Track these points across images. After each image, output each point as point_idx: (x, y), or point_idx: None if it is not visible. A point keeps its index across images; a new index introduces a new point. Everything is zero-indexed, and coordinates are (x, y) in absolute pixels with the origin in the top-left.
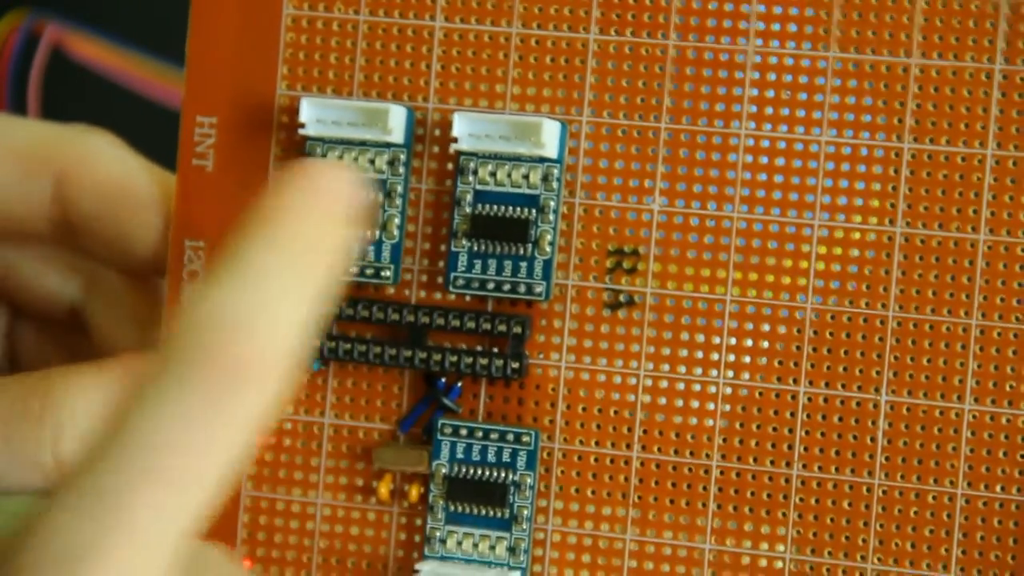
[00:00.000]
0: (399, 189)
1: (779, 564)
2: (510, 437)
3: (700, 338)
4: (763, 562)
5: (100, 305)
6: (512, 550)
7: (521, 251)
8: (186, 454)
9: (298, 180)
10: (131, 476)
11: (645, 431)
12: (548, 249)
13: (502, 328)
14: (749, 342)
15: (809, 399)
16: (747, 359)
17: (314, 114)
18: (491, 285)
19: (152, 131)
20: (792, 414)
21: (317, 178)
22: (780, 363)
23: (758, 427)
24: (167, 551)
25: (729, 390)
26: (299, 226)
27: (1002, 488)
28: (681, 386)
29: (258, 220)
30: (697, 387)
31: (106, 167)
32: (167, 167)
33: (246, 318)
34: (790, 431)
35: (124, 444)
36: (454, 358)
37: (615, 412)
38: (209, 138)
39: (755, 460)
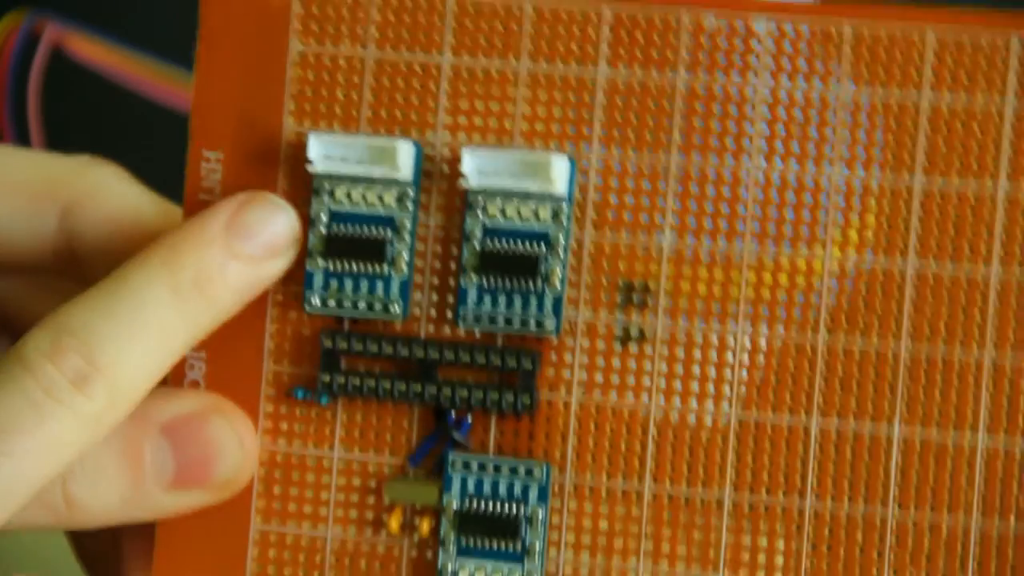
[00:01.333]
0: (407, 225)
1: None
2: (521, 471)
3: (711, 371)
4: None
5: None
6: None
7: (531, 286)
8: (2, 439)
9: (216, 210)
10: None
11: (657, 464)
12: (558, 285)
13: (512, 363)
14: (761, 377)
15: (822, 430)
16: (756, 395)
17: (322, 150)
18: (501, 320)
19: (152, 131)
20: (803, 456)
21: (238, 210)
22: (792, 396)
23: (768, 461)
24: None
25: (739, 427)
26: (197, 257)
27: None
28: (692, 419)
29: (159, 243)
30: (708, 420)
31: (112, 199)
32: (166, 166)
33: (94, 342)
34: (803, 464)
35: None
36: (464, 392)
37: (626, 445)
38: (215, 173)
39: (768, 492)
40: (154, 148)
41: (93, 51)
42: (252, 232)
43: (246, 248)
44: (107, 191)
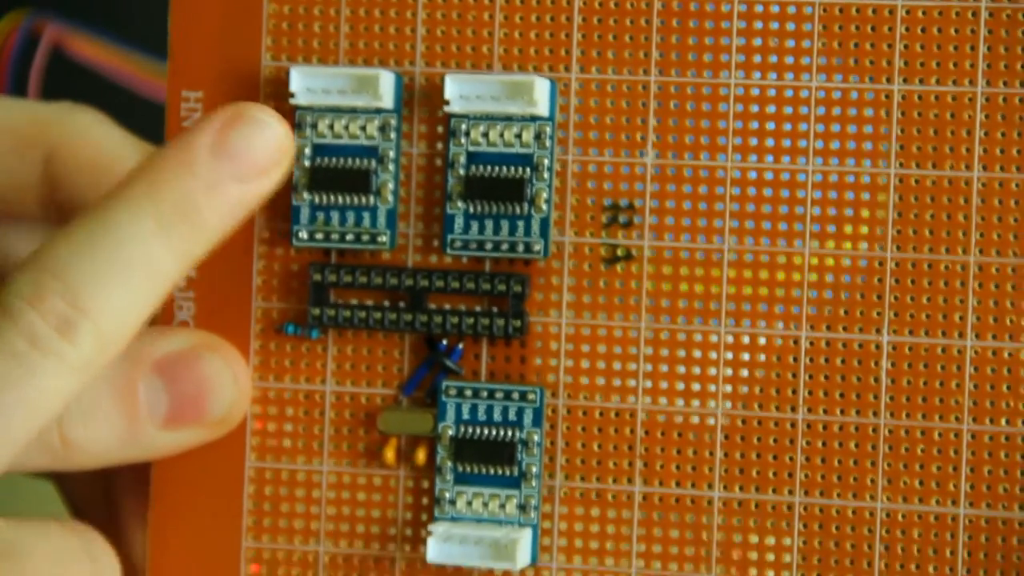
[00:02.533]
0: (391, 154)
1: (787, 508)
2: (515, 395)
3: (699, 288)
4: (771, 507)
5: None
6: (522, 507)
7: (517, 210)
8: None
9: (199, 131)
10: None
11: (649, 383)
12: (544, 207)
13: (501, 288)
14: (749, 290)
15: (811, 343)
16: (747, 307)
17: (304, 83)
18: (489, 246)
19: (152, 131)
20: (795, 359)
21: (222, 130)
22: (781, 310)
23: (762, 373)
24: None
25: (731, 338)
26: (182, 185)
27: (1007, 421)
28: (683, 337)
29: (140, 170)
30: (699, 337)
31: (95, 144)
32: None
33: (77, 282)
34: (793, 376)
35: None
36: (455, 320)
37: (618, 366)
38: (196, 112)
39: (760, 407)
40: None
41: (93, 51)
42: (239, 152)
43: (234, 170)
44: (90, 135)
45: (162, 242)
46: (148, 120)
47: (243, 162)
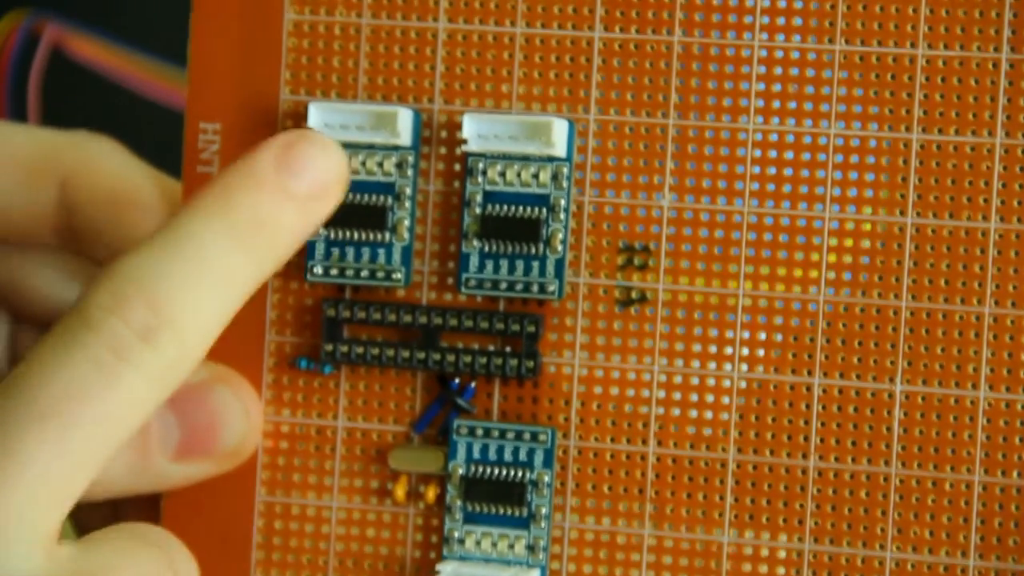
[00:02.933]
0: (408, 191)
1: (796, 555)
2: (527, 436)
3: (714, 332)
4: (782, 553)
5: None
6: (531, 548)
7: (533, 250)
8: (71, 409)
9: (264, 148)
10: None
11: (660, 426)
12: (560, 248)
13: (515, 327)
14: (763, 335)
15: (824, 391)
16: (761, 352)
17: (322, 119)
18: (503, 285)
19: (152, 131)
20: (807, 406)
21: (287, 148)
22: (794, 355)
23: (773, 420)
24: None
25: (744, 383)
26: (252, 198)
27: (1019, 474)
28: (695, 380)
29: (210, 187)
30: (712, 381)
31: (110, 173)
32: (167, 166)
33: (159, 290)
34: (806, 423)
35: (16, 386)
36: (467, 358)
37: (630, 408)
38: (213, 144)
39: (771, 452)
40: (154, 148)
41: (93, 51)
42: (302, 170)
43: (298, 186)
44: (104, 164)
45: (238, 252)
46: (148, 120)
47: (305, 180)
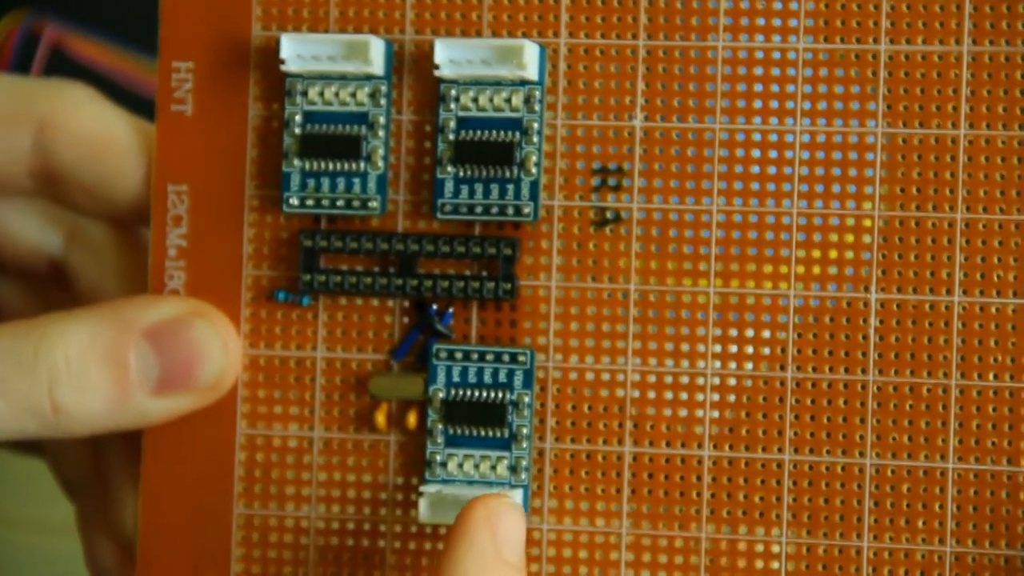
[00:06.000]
0: (381, 120)
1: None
2: (506, 357)
3: (688, 249)
4: (761, 464)
5: (83, 256)
6: (513, 468)
7: (507, 174)
8: None
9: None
10: None
11: (639, 344)
12: (534, 170)
13: (492, 251)
14: (737, 250)
15: (801, 302)
16: (735, 267)
17: (294, 50)
18: (479, 209)
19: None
20: (784, 318)
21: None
22: (769, 269)
23: (752, 333)
24: None
25: (719, 299)
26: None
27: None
28: (672, 298)
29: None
30: (687, 298)
31: (85, 117)
32: None
33: None
34: (783, 335)
35: None
36: (445, 284)
37: (607, 328)
38: (186, 83)
39: (752, 366)
40: None
41: (93, 51)
42: (509, 539)
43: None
44: (80, 109)
45: None
46: (148, 120)
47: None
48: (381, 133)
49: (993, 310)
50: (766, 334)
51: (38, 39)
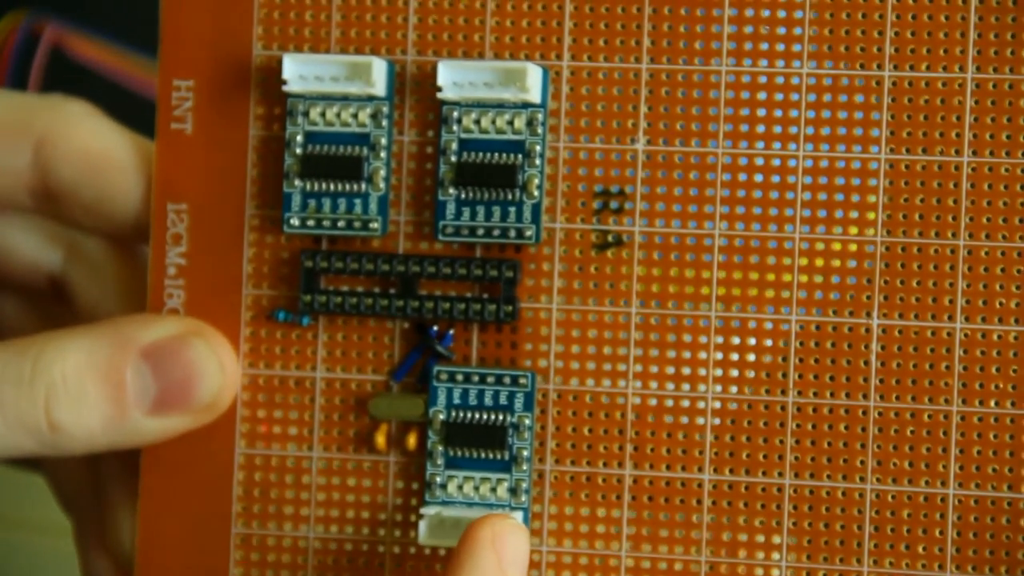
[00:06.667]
0: (383, 141)
1: (778, 490)
2: (507, 380)
3: (689, 273)
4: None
5: (82, 272)
6: (513, 491)
7: (509, 196)
8: None
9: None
10: None
11: (640, 367)
12: (536, 193)
13: (493, 273)
14: (738, 274)
15: (801, 327)
16: (737, 291)
17: (296, 70)
18: (480, 231)
19: (152, 131)
20: (785, 343)
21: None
22: (771, 293)
23: (753, 358)
24: None
25: (721, 323)
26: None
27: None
28: (673, 322)
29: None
30: (688, 321)
31: (84, 134)
32: None
33: None
34: (784, 359)
35: None
36: (446, 305)
37: (608, 351)
38: (187, 101)
39: (751, 391)
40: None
41: (93, 51)
42: (515, 559)
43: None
44: (79, 125)
45: None
46: (148, 120)
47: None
48: (383, 154)
49: (995, 337)
50: (767, 358)
51: (38, 39)
